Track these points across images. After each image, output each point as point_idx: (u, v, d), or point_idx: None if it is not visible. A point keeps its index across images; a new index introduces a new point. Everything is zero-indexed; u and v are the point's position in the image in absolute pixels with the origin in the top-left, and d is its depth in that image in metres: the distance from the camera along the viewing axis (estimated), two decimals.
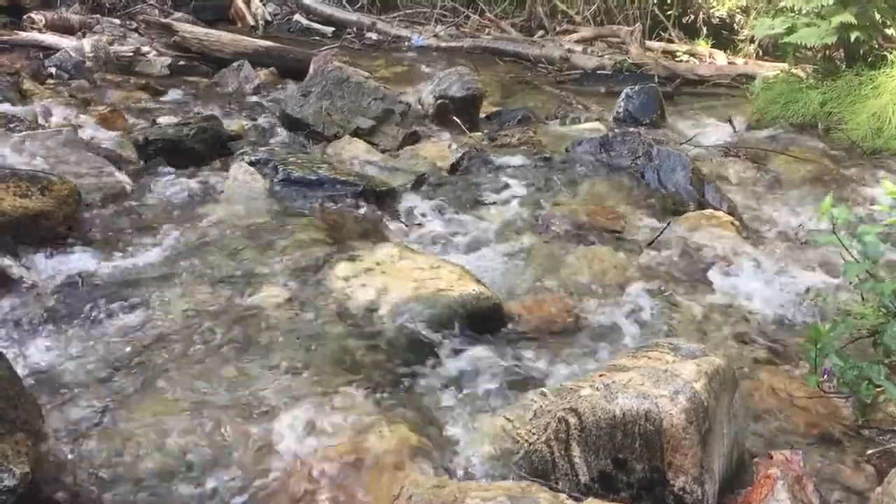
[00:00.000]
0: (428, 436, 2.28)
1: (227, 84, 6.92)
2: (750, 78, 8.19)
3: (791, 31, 6.22)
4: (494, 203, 4.27)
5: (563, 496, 1.91)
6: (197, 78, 7.21)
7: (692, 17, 10.64)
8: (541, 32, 10.73)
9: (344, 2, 11.29)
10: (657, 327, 3.06)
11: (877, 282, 2.34)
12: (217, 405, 2.39)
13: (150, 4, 9.99)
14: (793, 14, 6.36)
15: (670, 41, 10.50)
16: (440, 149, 5.17)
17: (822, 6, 6.12)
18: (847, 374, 2.22)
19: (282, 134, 5.37)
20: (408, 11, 11.34)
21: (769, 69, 8.21)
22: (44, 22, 7.97)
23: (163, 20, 9.02)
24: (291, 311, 2.95)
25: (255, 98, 6.56)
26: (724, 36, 10.43)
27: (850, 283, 2.42)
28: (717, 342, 2.95)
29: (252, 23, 10.20)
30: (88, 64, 6.87)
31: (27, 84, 6.02)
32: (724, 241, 3.81)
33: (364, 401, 2.42)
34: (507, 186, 4.46)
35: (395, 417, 2.33)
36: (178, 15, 9.46)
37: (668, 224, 3.90)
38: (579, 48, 9.69)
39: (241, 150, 4.68)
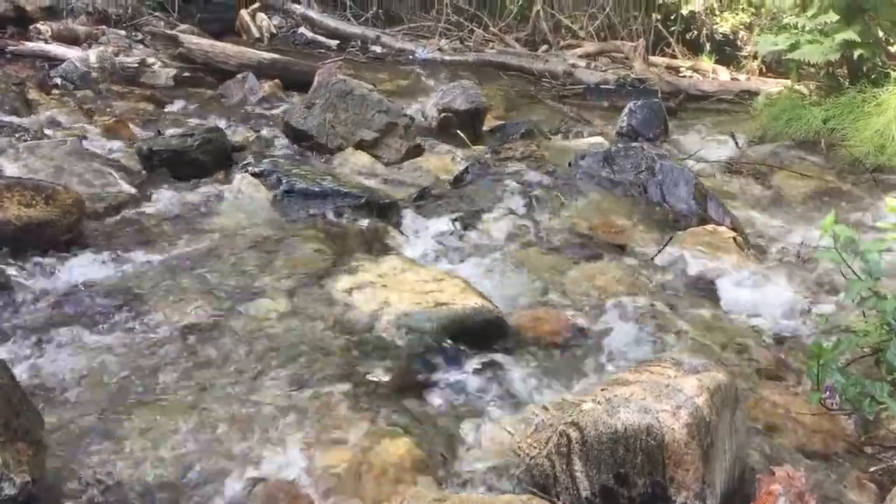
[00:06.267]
0: (429, 449, 2.28)
1: (232, 95, 6.94)
2: (753, 94, 8.21)
3: (794, 47, 6.24)
4: (497, 216, 4.27)
5: None
6: (202, 89, 7.23)
7: (695, 32, 10.67)
8: (545, 47, 10.77)
9: (349, 15, 11.34)
10: (659, 342, 3.06)
11: (879, 299, 2.34)
12: (218, 415, 2.39)
13: (156, 16, 10.04)
14: (796, 31, 6.38)
15: (674, 57, 10.54)
16: (443, 161, 5.18)
17: (826, 23, 6.14)
18: (850, 391, 2.21)
19: (285, 145, 5.38)
20: (412, 25, 11.39)
21: (772, 85, 8.23)
22: (50, 32, 8.01)
23: (168, 32, 9.05)
24: (293, 322, 2.95)
25: (259, 109, 6.58)
26: (727, 52, 10.46)
27: (853, 300, 2.41)
28: (719, 357, 2.94)
29: (257, 35, 10.24)
30: (94, 74, 6.89)
31: (33, 94, 6.05)
32: (727, 256, 3.81)
33: (365, 413, 2.42)
34: (509, 200, 4.46)
35: (396, 430, 2.33)
36: (183, 27, 9.50)
37: (671, 239, 3.90)
38: (583, 63, 9.72)
39: (245, 162, 4.69)
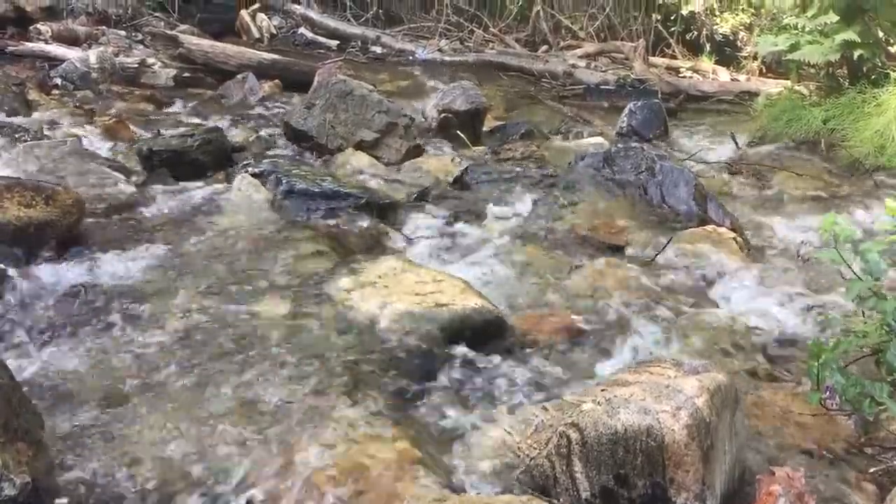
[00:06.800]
0: (429, 450, 2.27)
1: (232, 96, 6.95)
2: (753, 94, 8.20)
3: (794, 48, 6.23)
4: (497, 217, 4.27)
5: None
6: (202, 90, 7.24)
7: (695, 33, 10.67)
8: (545, 47, 10.77)
9: (349, 15, 11.34)
10: (659, 343, 3.06)
11: (879, 299, 2.34)
12: (217, 417, 2.39)
13: (156, 16, 10.04)
14: (796, 31, 6.38)
15: (674, 57, 10.54)
16: (443, 162, 5.18)
17: (826, 24, 6.14)
18: (849, 391, 2.21)
19: (285, 146, 5.38)
20: (412, 25, 11.40)
21: (772, 86, 8.23)
22: (50, 33, 8.03)
23: (168, 32, 9.06)
24: (293, 323, 2.95)
25: (259, 110, 6.58)
26: (727, 52, 10.46)
27: (853, 300, 2.41)
28: (719, 358, 2.94)
29: (257, 35, 10.25)
30: (94, 75, 6.90)
31: (33, 94, 6.07)
32: (727, 257, 3.81)
33: (365, 414, 2.41)
34: (509, 200, 4.46)
35: (396, 431, 2.33)
36: (183, 27, 9.51)
37: (671, 239, 3.90)
38: (583, 63, 9.72)
39: (245, 162, 4.69)
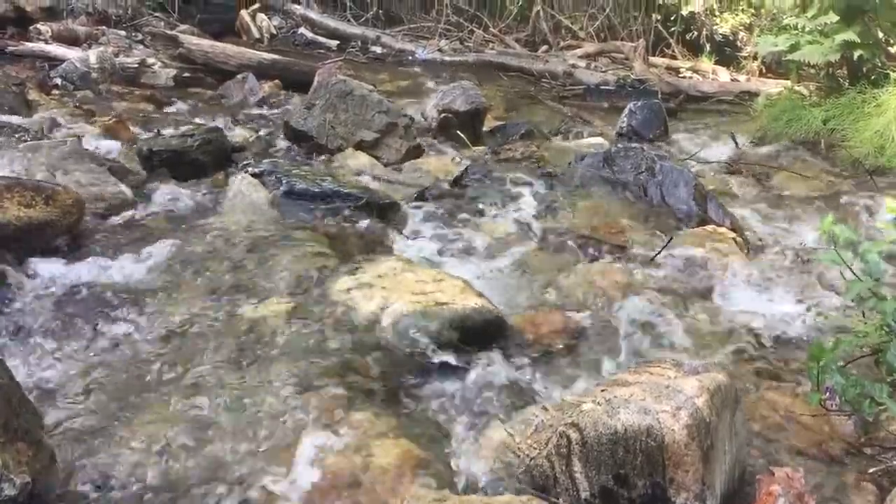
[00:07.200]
0: (429, 450, 2.27)
1: (232, 96, 6.95)
2: (753, 94, 8.22)
3: (794, 48, 6.24)
4: (497, 217, 4.27)
5: None
6: (202, 90, 7.24)
7: (695, 33, 10.68)
8: (545, 48, 10.78)
9: (349, 16, 11.35)
10: (659, 343, 3.06)
11: (879, 300, 2.34)
12: (217, 417, 2.39)
13: (156, 16, 10.05)
14: (796, 31, 6.38)
15: (674, 57, 10.55)
16: (443, 162, 5.18)
17: (826, 24, 6.15)
18: (849, 392, 2.21)
19: (285, 146, 5.38)
20: (412, 26, 11.41)
21: (772, 86, 8.24)
22: (50, 33, 8.03)
23: (168, 32, 9.07)
24: (292, 323, 2.95)
25: (259, 110, 6.58)
26: (727, 52, 10.47)
27: (853, 301, 2.41)
28: (719, 358, 2.94)
29: (257, 35, 10.25)
30: (94, 75, 6.90)
31: (33, 94, 6.06)
32: (727, 257, 3.81)
33: (365, 414, 2.41)
34: (509, 200, 4.46)
35: (396, 431, 2.33)
36: (183, 27, 9.51)
37: (671, 240, 3.90)
38: (583, 63, 9.74)
39: (245, 162, 4.69)
